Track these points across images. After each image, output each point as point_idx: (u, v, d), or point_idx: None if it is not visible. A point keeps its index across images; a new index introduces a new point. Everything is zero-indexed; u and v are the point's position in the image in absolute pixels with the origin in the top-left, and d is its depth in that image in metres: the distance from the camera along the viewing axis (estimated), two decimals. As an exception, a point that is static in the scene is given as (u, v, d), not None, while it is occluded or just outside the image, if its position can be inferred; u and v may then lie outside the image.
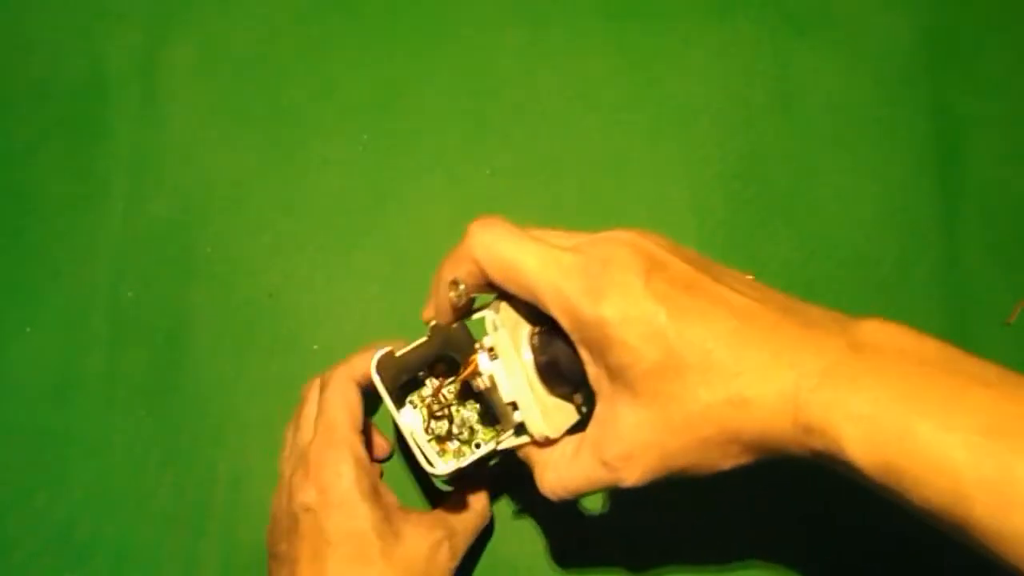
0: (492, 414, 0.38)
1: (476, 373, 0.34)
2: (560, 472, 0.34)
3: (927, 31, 0.52)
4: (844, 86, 0.51)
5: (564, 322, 0.32)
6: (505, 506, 0.46)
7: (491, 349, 0.35)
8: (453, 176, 0.51)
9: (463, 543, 0.41)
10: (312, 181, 0.51)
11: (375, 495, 0.38)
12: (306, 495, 0.38)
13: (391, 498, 0.42)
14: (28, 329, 0.49)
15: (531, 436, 0.35)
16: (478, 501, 0.42)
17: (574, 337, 0.32)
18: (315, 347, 0.48)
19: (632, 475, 0.32)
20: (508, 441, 0.36)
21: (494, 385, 0.34)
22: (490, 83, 0.52)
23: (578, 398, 0.35)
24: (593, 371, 0.32)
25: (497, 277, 0.33)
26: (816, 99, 0.51)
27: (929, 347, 0.29)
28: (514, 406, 0.34)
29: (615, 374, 0.31)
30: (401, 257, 0.49)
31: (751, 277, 0.34)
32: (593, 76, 0.52)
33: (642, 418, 0.31)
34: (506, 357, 0.34)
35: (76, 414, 0.47)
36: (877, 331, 0.30)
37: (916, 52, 0.52)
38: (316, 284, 0.49)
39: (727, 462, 0.31)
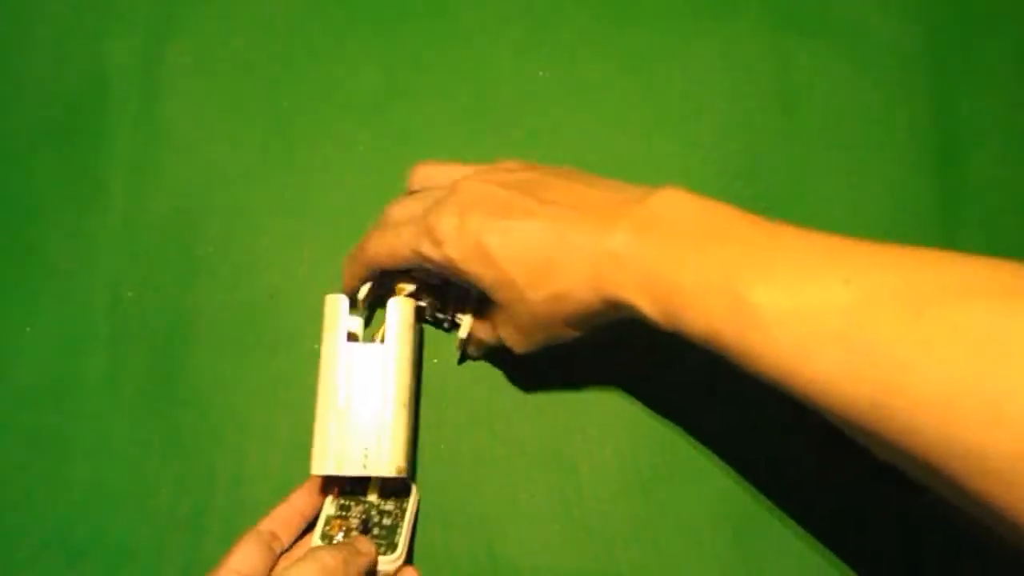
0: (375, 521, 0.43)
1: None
2: (483, 340, 0.45)
3: (927, 31, 0.52)
4: (844, 86, 0.51)
5: (436, 272, 0.41)
6: (505, 506, 0.46)
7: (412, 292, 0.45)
8: (453, 176, 0.51)
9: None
10: (312, 181, 0.51)
11: None
12: None
13: None
14: (28, 329, 0.49)
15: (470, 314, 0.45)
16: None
17: (449, 277, 0.42)
18: (315, 347, 0.48)
19: (517, 348, 0.42)
20: (463, 329, 0.45)
21: (429, 298, 0.46)
22: (490, 83, 0.52)
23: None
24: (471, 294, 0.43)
25: (386, 265, 0.43)
26: (816, 99, 0.51)
27: (705, 214, 0.35)
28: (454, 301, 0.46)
29: (479, 294, 0.41)
30: (401, 257, 0.49)
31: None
32: (593, 76, 0.52)
33: (504, 317, 0.41)
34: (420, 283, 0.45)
35: (76, 414, 0.47)
36: (664, 203, 0.36)
37: (916, 52, 0.52)
38: (316, 284, 0.49)
39: (568, 334, 0.40)
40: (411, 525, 0.43)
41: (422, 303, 0.46)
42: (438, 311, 0.46)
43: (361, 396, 0.42)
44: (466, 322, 0.45)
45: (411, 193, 0.45)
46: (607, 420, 0.47)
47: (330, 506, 0.43)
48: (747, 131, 0.51)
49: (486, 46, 0.53)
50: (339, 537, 0.41)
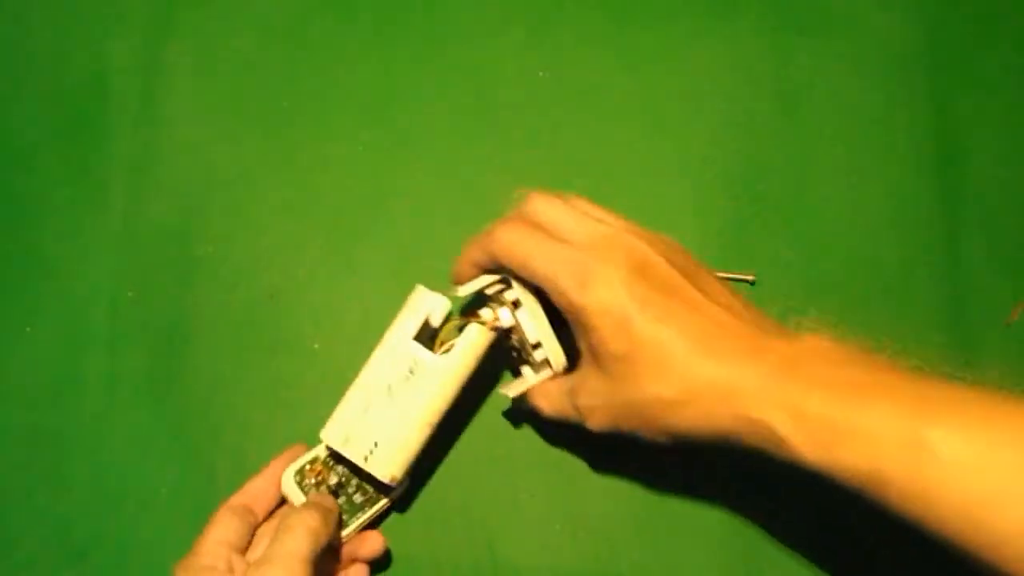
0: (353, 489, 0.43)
1: (498, 324, 0.41)
2: (551, 400, 0.42)
3: (927, 31, 0.52)
4: (844, 86, 0.51)
5: (558, 304, 0.38)
6: (505, 506, 0.46)
7: (514, 302, 0.41)
8: (453, 176, 0.51)
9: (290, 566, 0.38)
10: (312, 181, 0.51)
11: None
12: None
13: None
14: (28, 329, 0.49)
15: (552, 369, 0.42)
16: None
17: (566, 317, 0.38)
18: (315, 347, 0.48)
19: (592, 424, 0.39)
20: (522, 384, 0.43)
21: (520, 330, 0.41)
22: (490, 83, 0.52)
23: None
24: (579, 341, 0.39)
25: (513, 267, 0.39)
26: (816, 99, 0.51)
27: (852, 351, 0.35)
28: (536, 346, 0.41)
29: (590, 349, 0.38)
30: (401, 257, 0.49)
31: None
32: (593, 76, 0.52)
33: (603, 387, 0.38)
34: (530, 306, 0.41)
35: (76, 414, 0.47)
36: (811, 339, 0.35)
37: (916, 52, 0.52)
38: (316, 284, 0.49)
39: (654, 436, 0.37)
40: (369, 519, 0.43)
41: (505, 326, 0.42)
42: (516, 349, 0.43)
43: (399, 395, 0.41)
44: (531, 377, 0.42)
45: (552, 202, 0.40)
46: (607, 420, 0.47)
47: (323, 449, 0.43)
48: (747, 131, 0.51)
49: (486, 46, 0.53)
50: (311, 481, 0.42)
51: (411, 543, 0.45)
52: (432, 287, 0.43)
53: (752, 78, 0.52)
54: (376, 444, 0.41)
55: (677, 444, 0.37)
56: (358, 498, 0.43)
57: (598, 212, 0.40)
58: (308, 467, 0.42)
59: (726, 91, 0.52)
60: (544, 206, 0.40)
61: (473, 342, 0.41)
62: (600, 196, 0.49)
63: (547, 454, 0.46)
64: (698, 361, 0.35)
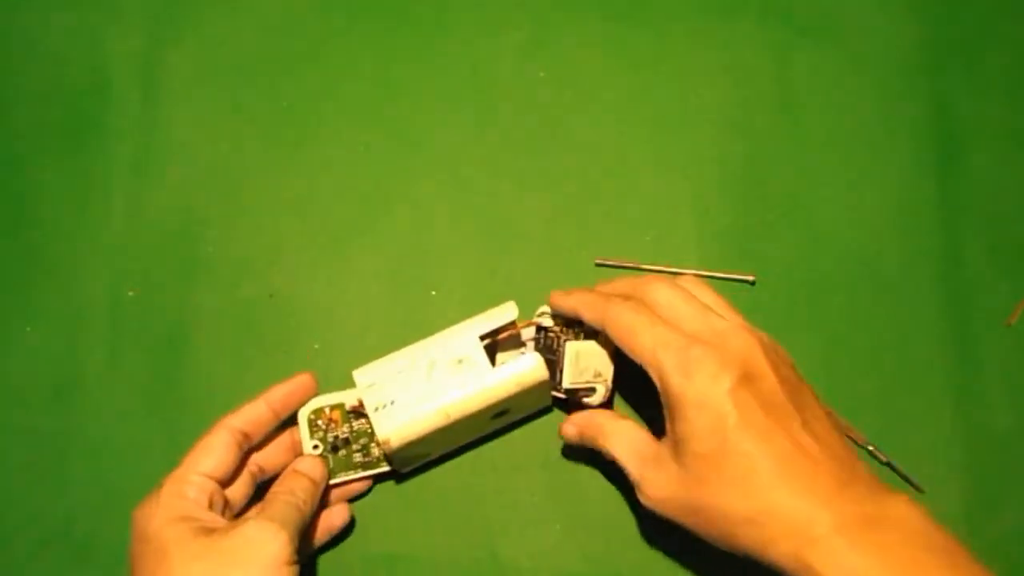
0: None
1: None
2: (621, 454, 0.40)
3: (927, 31, 0.52)
4: (844, 86, 0.51)
5: (659, 386, 0.38)
6: (506, 507, 0.46)
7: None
8: (453, 176, 0.51)
9: (284, 516, 0.39)
10: (313, 181, 0.51)
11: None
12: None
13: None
14: (28, 329, 0.49)
15: (598, 401, 0.43)
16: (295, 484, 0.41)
17: (663, 400, 0.38)
18: (316, 347, 0.48)
19: (647, 501, 0.38)
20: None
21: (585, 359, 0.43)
22: (490, 83, 0.52)
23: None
24: (667, 423, 0.38)
25: (618, 340, 0.39)
26: (816, 99, 0.51)
27: (937, 537, 0.34)
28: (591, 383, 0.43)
29: (674, 436, 0.37)
30: (402, 257, 0.49)
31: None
32: (593, 76, 0.52)
33: (676, 477, 0.37)
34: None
35: (76, 414, 0.47)
36: (899, 508, 0.34)
37: (916, 52, 0.52)
38: (316, 284, 0.49)
39: (718, 546, 0.36)
40: (356, 480, 0.44)
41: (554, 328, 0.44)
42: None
43: (437, 374, 0.42)
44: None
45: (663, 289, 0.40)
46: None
47: (350, 399, 0.43)
48: (747, 131, 0.51)
49: (486, 46, 0.53)
50: (323, 424, 0.43)
51: (411, 543, 0.45)
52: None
53: (752, 78, 0.52)
54: (393, 403, 0.42)
55: (728, 553, 0.36)
56: (357, 458, 0.44)
57: (720, 306, 0.40)
58: (328, 410, 0.43)
59: (726, 91, 0.52)
60: (664, 292, 0.40)
61: (526, 370, 0.42)
62: (601, 196, 0.50)
63: (547, 454, 0.46)
64: (780, 490, 0.34)
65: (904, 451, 0.46)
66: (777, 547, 0.34)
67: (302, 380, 0.43)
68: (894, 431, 0.46)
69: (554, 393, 0.44)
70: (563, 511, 0.45)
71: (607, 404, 0.44)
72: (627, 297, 0.40)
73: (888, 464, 0.45)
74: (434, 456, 0.45)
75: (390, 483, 0.46)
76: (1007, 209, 0.50)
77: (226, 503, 0.40)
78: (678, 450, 0.37)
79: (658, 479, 0.38)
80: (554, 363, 0.44)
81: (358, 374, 0.43)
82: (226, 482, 0.41)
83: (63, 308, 0.49)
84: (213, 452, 0.40)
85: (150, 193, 0.51)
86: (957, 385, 0.47)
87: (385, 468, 0.44)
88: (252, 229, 0.50)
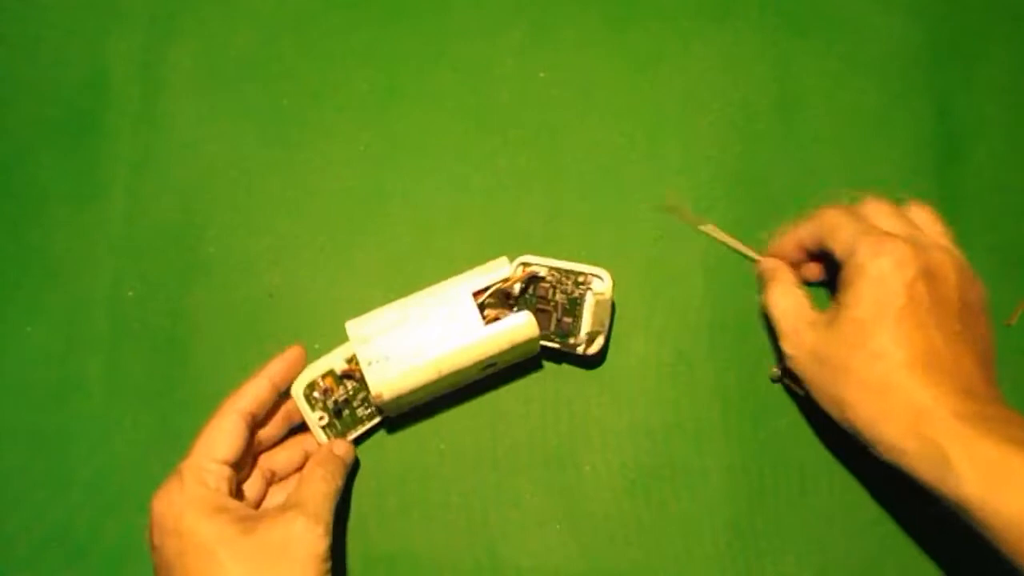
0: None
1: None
2: (788, 300, 0.44)
3: (927, 31, 0.52)
4: (844, 86, 0.51)
5: (843, 262, 0.40)
6: (506, 506, 0.46)
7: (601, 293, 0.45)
8: (453, 176, 0.51)
9: (320, 510, 0.39)
10: (313, 181, 0.51)
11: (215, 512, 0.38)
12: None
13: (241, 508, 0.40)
14: (28, 329, 0.49)
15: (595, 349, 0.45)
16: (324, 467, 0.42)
17: (842, 275, 0.41)
18: (315, 347, 0.48)
19: (789, 348, 0.42)
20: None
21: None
22: (490, 83, 0.52)
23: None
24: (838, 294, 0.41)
25: (822, 234, 0.42)
26: (816, 99, 0.51)
27: None
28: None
29: (839, 303, 0.40)
30: (401, 257, 0.49)
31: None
32: (593, 76, 0.52)
33: (826, 337, 0.40)
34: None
35: (76, 414, 0.47)
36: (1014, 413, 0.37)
37: (916, 52, 0.52)
38: (316, 284, 0.49)
39: (832, 412, 0.39)
40: (368, 428, 0.46)
41: (541, 274, 0.45)
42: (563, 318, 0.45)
43: (430, 329, 0.43)
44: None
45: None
46: (608, 420, 0.47)
47: (341, 360, 0.44)
48: (747, 131, 0.51)
49: (486, 46, 0.53)
50: (319, 394, 0.44)
51: (411, 543, 0.45)
52: (432, 285, 0.43)
53: (752, 78, 0.52)
54: (386, 359, 0.43)
55: (839, 424, 0.39)
56: (361, 412, 0.45)
57: (933, 225, 0.43)
58: (320, 379, 0.44)
59: (726, 91, 0.52)
60: (875, 205, 0.43)
61: (517, 327, 0.43)
62: (601, 196, 0.50)
63: (547, 454, 0.46)
64: (911, 376, 0.37)
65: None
66: (889, 423, 0.37)
67: (296, 352, 0.44)
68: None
69: (543, 343, 0.45)
70: (563, 511, 0.45)
71: (600, 355, 0.46)
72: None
73: None
74: (423, 403, 0.46)
75: (391, 483, 0.46)
76: (1007, 209, 0.50)
77: (238, 487, 0.42)
78: (837, 316, 0.39)
79: (807, 334, 0.41)
80: (547, 312, 0.45)
81: (351, 325, 0.44)
82: (239, 466, 0.41)
83: (63, 308, 0.49)
84: (226, 437, 0.41)
85: (150, 193, 0.51)
86: (957, 385, 0.47)
87: (365, 426, 0.46)
88: (252, 229, 0.50)
